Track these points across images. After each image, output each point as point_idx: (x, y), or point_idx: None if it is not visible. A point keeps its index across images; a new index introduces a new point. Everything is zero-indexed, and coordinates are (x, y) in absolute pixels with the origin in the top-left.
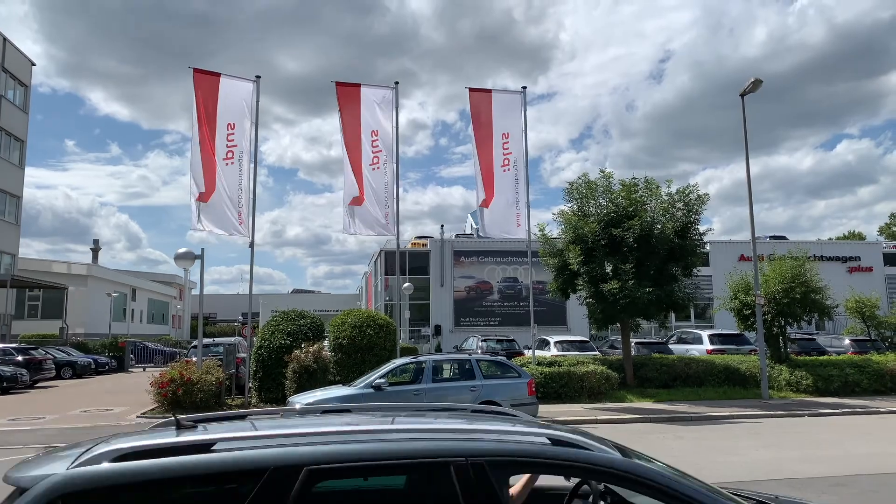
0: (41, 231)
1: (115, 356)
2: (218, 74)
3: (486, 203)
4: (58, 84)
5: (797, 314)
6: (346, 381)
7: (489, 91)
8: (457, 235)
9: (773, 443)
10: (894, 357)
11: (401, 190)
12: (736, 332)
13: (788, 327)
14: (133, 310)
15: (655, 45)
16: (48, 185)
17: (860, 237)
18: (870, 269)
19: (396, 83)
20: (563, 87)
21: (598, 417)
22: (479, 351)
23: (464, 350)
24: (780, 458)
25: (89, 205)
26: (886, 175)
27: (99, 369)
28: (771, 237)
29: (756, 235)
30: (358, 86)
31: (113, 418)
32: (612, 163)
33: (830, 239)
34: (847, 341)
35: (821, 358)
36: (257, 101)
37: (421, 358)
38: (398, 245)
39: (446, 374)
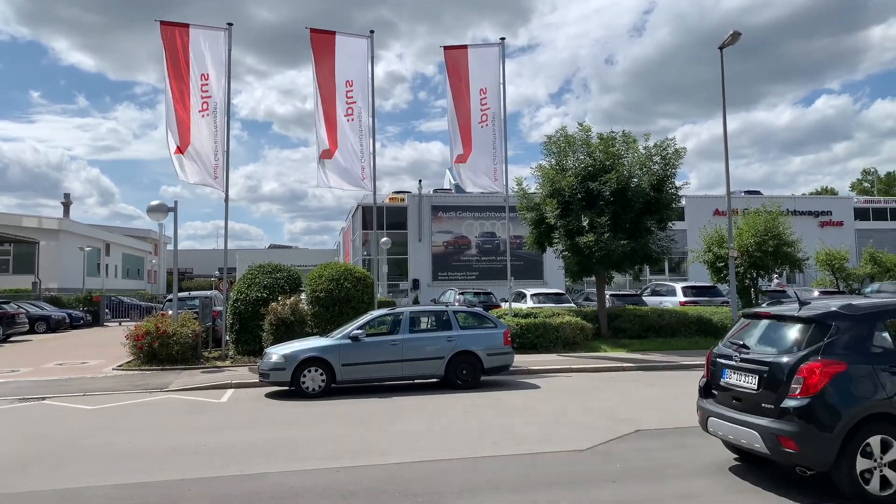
0: (9, 185)
1: (90, 311)
2: (186, 25)
3: (462, 158)
4: (17, 31)
5: (769, 266)
6: (323, 333)
7: (465, 47)
8: (435, 191)
9: None
10: None
11: (378, 145)
12: (709, 285)
13: (760, 279)
14: (107, 265)
15: None
16: (14, 138)
17: (833, 193)
18: (840, 224)
19: (372, 32)
20: (545, 38)
21: (572, 366)
22: (457, 304)
23: (441, 303)
24: None
25: (58, 158)
26: (861, 131)
27: (74, 324)
28: (746, 192)
29: (731, 190)
30: (333, 33)
31: (89, 371)
32: (592, 118)
33: (804, 194)
34: (816, 293)
35: None
36: (229, 51)
37: (398, 310)
38: (375, 200)
39: (424, 326)
